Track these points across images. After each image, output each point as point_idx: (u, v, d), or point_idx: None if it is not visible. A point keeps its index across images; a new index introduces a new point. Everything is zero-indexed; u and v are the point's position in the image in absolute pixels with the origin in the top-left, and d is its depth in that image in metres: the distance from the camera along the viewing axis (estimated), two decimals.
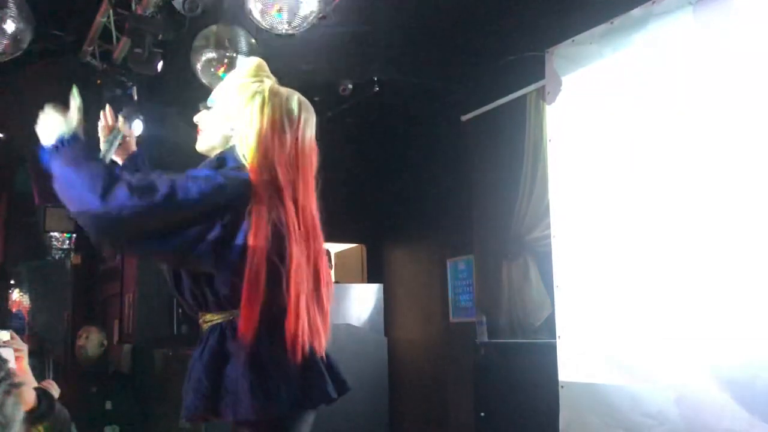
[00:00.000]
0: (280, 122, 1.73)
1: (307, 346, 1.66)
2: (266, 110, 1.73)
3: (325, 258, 1.82)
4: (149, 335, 5.14)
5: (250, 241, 1.59)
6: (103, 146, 1.99)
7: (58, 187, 1.58)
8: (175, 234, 1.56)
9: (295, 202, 1.70)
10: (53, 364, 5.06)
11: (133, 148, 2.17)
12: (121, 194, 1.52)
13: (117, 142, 2.01)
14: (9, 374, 1.00)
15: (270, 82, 1.81)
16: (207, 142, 1.83)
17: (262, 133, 1.71)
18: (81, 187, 1.54)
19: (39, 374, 3.11)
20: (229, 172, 1.66)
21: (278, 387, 1.61)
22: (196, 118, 1.87)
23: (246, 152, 1.70)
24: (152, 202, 1.53)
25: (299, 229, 1.69)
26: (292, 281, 1.64)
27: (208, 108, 1.84)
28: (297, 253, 1.66)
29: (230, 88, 1.80)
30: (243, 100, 1.76)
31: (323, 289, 1.77)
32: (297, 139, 1.75)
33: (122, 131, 2.04)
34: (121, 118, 2.06)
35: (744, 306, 2.73)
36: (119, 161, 2.14)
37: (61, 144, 1.61)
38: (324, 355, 1.75)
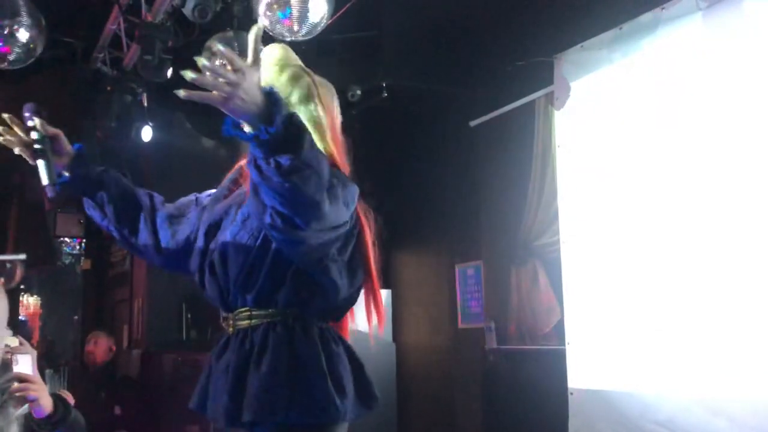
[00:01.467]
0: (336, 115, 1.71)
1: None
2: (327, 108, 1.67)
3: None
4: (158, 340, 5.16)
5: (366, 237, 1.61)
6: (41, 165, 1.62)
7: (293, 175, 1.22)
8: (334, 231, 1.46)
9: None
10: (66, 371, 5.09)
11: (68, 146, 1.72)
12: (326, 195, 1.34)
13: (48, 150, 1.63)
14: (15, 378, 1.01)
15: (311, 74, 1.71)
16: None
17: (331, 129, 1.66)
18: (321, 181, 1.29)
19: (57, 382, 3.13)
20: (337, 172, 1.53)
21: (341, 391, 1.53)
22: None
23: (329, 148, 1.64)
24: (336, 205, 1.39)
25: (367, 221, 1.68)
26: (373, 276, 1.65)
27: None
28: (371, 245, 1.66)
29: (281, 81, 1.65)
30: (300, 95, 1.64)
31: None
32: (338, 124, 1.72)
33: (43, 131, 1.64)
34: (36, 120, 1.64)
35: (758, 311, 2.71)
36: (63, 172, 1.71)
37: (288, 119, 1.22)
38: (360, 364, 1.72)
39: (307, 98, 1.64)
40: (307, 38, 3.25)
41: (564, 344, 3.53)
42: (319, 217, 1.32)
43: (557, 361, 3.55)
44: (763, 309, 2.68)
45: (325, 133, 1.64)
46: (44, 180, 1.60)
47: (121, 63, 3.94)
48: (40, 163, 1.61)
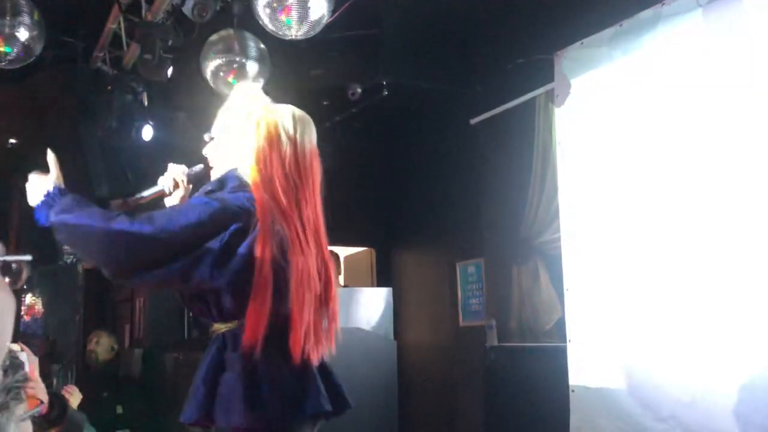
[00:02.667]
0: (276, 138, 1.77)
1: (309, 357, 1.70)
2: (262, 128, 1.77)
3: (333, 268, 1.85)
4: (160, 340, 5.16)
5: (257, 254, 1.62)
6: (155, 189, 1.98)
7: (60, 235, 1.62)
8: (177, 259, 1.60)
9: (300, 213, 1.73)
10: (74, 368, 5.09)
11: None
12: (122, 221, 1.58)
13: (153, 193, 1.97)
14: (23, 378, 1.02)
15: (263, 101, 1.86)
16: (218, 174, 1.86)
17: (259, 151, 1.75)
18: (83, 223, 1.59)
19: (62, 379, 3.14)
20: (225, 194, 1.71)
21: (271, 396, 1.64)
22: (205, 152, 1.92)
23: (247, 170, 1.76)
24: (152, 229, 1.58)
25: (305, 240, 1.71)
26: (294, 292, 1.67)
27: (212, 139, 1.90)
28: (302, 263, 1.69)
29: (227, 117, 1.87)
30: (239, 124, 1.82)
31: (331, 302, 1.80)
32: (296, 151, 1.78)
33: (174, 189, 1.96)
34: (183, 180, 1.97)
35: (758, 309, 2.71)
36: None
37: (50, 198, 1.68)
38: (325, 368, 1.78)
39: (246, 127, 1.80)
40: (307, 37, 3.25)
41: (565, 341, 3.53)
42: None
43: (558, 359, 3.55)
44: (765, 305, 2.68)
45: (244, 157, 1.77)
46: (139, 194, 1.94)
47: (122, 62, 3.94)
48: (157, 188, 1.95)
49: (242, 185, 1.74)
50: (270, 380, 1.65)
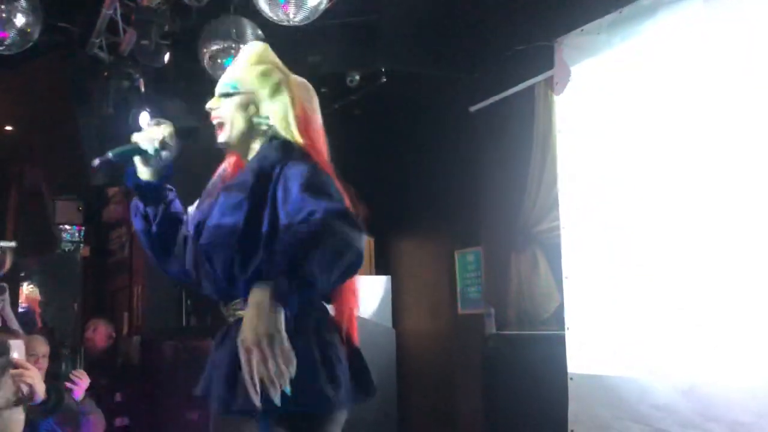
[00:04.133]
0: (310, 111, 1.76)
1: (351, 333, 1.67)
2: (295, 97, 1.74)
3: None
4: (158, 327, 5.16)
5: None
6: (130, 147, 1.75)
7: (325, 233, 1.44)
8: None
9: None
10: (83, 352, 5.10)
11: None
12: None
13: (128, 152, 1.74)
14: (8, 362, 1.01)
15: (282, 68, 1.80)
16: (235, 131, 1.73)
17: (299, 120, 1.72)
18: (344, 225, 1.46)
19: (71, 363, 3.14)
20: (307, 163, 1.61)
21: (334, 381, 1.56)
22: (212, 106, 1.75)
23: (293, 134, 1.70)
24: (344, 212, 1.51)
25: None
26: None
27: (225, 95, 1.74)
28: None
29: (252, 77, 1.74)
30: (270, 89, 1.73)
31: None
32: (316, 117, 1.78)
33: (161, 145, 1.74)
34: (166, 129, 1.76)
35: (756, 297, 2.71)
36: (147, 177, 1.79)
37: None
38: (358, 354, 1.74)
39: (276, 91, 1.72)
40: (305, 23, 3.23)
41: (563, 329, 3.53)
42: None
43: (557, 346, 3.55)
44: (764, 295, 2.68)
45: (290, 124, 1.70)
46: (111, 152, 1.70)
47: (118, 48, 3.92)
48: (134, 147, 1.71)
49: (305, 155, 1.66)
50: (333, 364, 1.58)
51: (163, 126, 1.75)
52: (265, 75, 1.74)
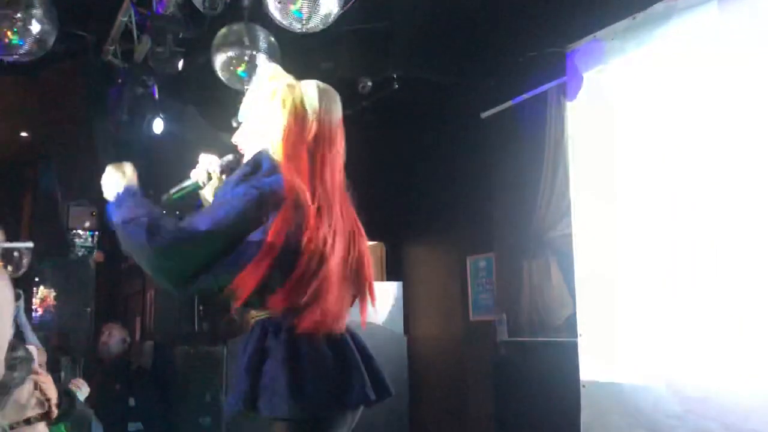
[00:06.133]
0: (302, 113, 1.78)
1: (333, 329, 1.71)
2: (287, 105, 1.78)
3: (364, 238, 1.86)
4: (171, 332, 5.18)
5: (274, 228, 1.62)
6: (189, 183, 1.94)
7: (120, 237, 1.69)
8: (227, 254, 1.62)
9: (324, 186, 1.75)
10: (82, 361, 5.13)
11: None
12: (167, 226, 1.62)
13: (188, 190, 1.93)
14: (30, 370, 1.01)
15: (286, 79, 1.85)
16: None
17: (286, 127, 1.76)
18: (134, 231, 1.64)
19: (71, 372, 3.16)
20: (262, 179, 1.69)
21: (315, 386, 1.63)
22: (234, 139, 1.91)
23: (276, 149, 1.76)
24: (197, 229, 1.61)
25: (328, 212, 1.72)
26: (306, 263, 1.67)
27: (241, 124, 1.89)
28: (321, 235, 1.69)
29: (252, 101, 1.86)
30: (265, 105, 1.81)
31: (364, 272, 1.82)
32: (321, 124, 1.79)
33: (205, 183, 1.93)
34: (216, 171, 1.93)
35: None
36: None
37: (120, 199, 1.74)
38: (367, 353, 1.78)
39: (273, 108, 1.80)
40: (317, 29, 3.24)
41: (576, 336, 3.51)
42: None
43: (569, 354, 3.53)
44: None
45: (273, 139, 1.77)
46: (173, 190, 1.91)
47: (132, 55, 3.95)
48: (190, 183, 1.91)
49: (275, 167, 1.72)
50: (314, 369, 1.64)
51: (206, 159, 1.92)
52: (261, 96, 1.83)
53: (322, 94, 1.83)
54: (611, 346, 3.32)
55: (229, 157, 1.93)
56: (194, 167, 1.92)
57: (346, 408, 1.70)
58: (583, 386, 3.43)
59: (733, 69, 2.87)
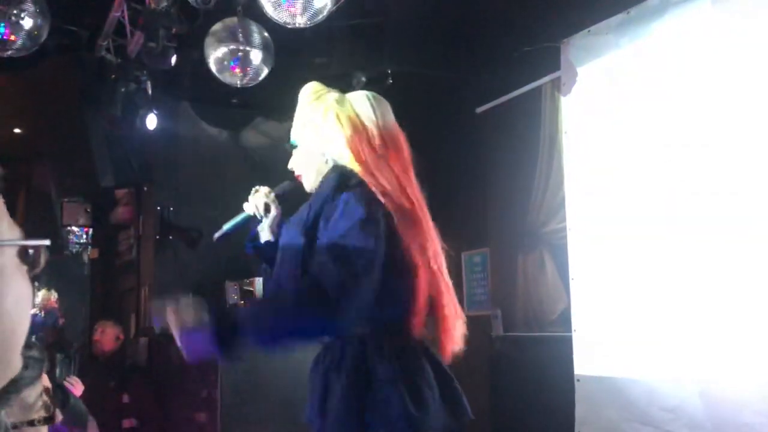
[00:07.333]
0: (361, 125, 1.75)
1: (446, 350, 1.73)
2: (344, 120, 1.75)
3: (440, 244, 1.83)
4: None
5: (411, 252, 1.64)
6: (242, 217, 1.93)
7: (282, 340, 1.59)
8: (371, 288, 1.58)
9: (405, 193, 1.75)
10: (77, 358, 5.11)
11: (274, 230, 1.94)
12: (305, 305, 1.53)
13: (240, 223, 1.93)
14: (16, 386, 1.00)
15: (333, 95, 1.82)
16: (311, 181, 1.83)
17: (350, 142, 1.73)
18: (283, 330, 1.55)
19: (65, 368, 3.14)
20: (361, 195, 1.65)
21: (429, 403, 1.61)
22: (290, 165, 1.87)
23: (351, 165, 1.72)
24: (356, 272, 1.55)
25: (422, 219, 1.74)
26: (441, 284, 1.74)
27: (294, 148, 1.86)
28: (432, 247, 1.73)
29: (303, 122, 1.82)
30: (319, 126, 1.77)
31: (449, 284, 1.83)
32: (381, 132, 1.77)
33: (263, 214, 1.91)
34: (275, 201, 1.91)
35: (765, 298, 2.69)
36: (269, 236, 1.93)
37: (216, 339, 1.59)
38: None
39: (325, 123, 1.76)
40: (310, 25, 3.23)
41: (570, 331, 3.52)
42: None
43: (564, 348, 3.54)
44: None
45: (342, 150, 1.73)
46: (226, 226, 1.91)
47: (125, 51, 3.93)
48: (244, 215, 1.90)
49: (359, 183, 1.69)
50: (428, 387, 1.62)
51: (262, 191, 1.91)
52: (314, 113, 1.79)
53: (373, 102, 1.81)
54: (606, 340, 3.33)
55: (286, 183, 1.92)
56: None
57: (455, 422, 1.68)
58: (578, 380, 3.44)
59: (726, 63, 2.88)
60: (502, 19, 3.85)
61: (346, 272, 1.52)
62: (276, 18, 3.16)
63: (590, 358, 3.41)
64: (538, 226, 4.20)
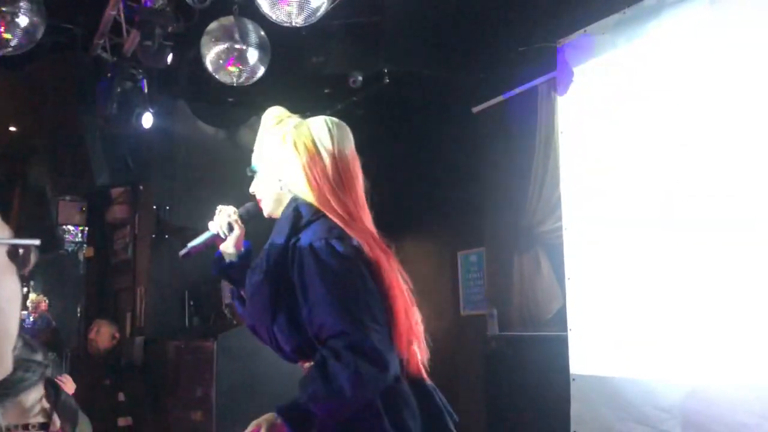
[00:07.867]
0: (316, 153, 1.75)
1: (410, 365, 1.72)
2: (300, 147, 1.75)
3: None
4: (161, 327, 5.16)
5: (390, 283, 1.68)
6: (207, 234, 1.94)
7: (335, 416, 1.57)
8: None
9: (359, 222, 1.74)
10: (68, 357, 5.10)
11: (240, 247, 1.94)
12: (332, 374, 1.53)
13: (204, 241, 1.94)
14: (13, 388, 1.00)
15: (292, 120, 1.82)
16: (270, 207, 1.84)
17: (305, 170, 1.73)
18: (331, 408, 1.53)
19: (56, 367, 3.13)
20: (333, 233, 1.66)
21: (410, 425, 1.62)
22: (251, 189, 1.89)
23: (306, 194, 1.72)
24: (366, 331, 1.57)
25: (376, 245, 1.73)
26: (407, 309, 1.76)
27: (254, 173, 1.87)
28: (393, 275, 1.74)
29: (262, 147, 1.83)
30: (276, 151, 1.78)
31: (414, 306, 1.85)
32: (336, 161, 1.76)
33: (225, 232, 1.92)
34: (237, 220, 1.92)
35: (759, 298, 2.70)
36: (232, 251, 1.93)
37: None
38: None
39: (283, 149, 1.77)
40: (307, 24, 3.23)
41: (566, 330, 3.53)
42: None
43: (559, 347, 3.55)
44: (766, 295, 2.67)
45: (297, 178, 1.74)
46: (191, 243, 1.93)
47: (121, 49, 3.92)
48: (208, 234, 1.92)
49: (314, 213, 1.71)
50: (407, 408, 1.64)
51: (225, 211, 1.92)
52: (272, 138, 1.80)
53: (331, 129, 1.79)
54: (601, 339, 3.34)
55: (248, 205, 1.92)
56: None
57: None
58: (573, 379, 3.45)
59: (723, 63, 2.88)
60: (499, 18, 3.85)
61: (362, 326, 1.55)
62: (272, 17, 3.17)
63: (585, 358, 3.41)
64: (534, 225, 4.20)
